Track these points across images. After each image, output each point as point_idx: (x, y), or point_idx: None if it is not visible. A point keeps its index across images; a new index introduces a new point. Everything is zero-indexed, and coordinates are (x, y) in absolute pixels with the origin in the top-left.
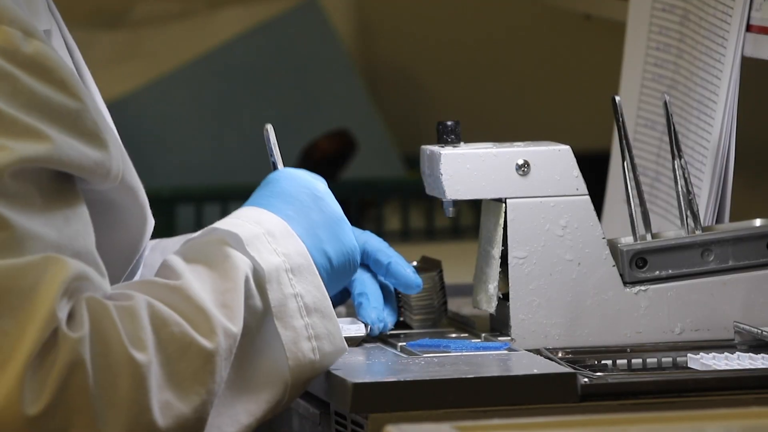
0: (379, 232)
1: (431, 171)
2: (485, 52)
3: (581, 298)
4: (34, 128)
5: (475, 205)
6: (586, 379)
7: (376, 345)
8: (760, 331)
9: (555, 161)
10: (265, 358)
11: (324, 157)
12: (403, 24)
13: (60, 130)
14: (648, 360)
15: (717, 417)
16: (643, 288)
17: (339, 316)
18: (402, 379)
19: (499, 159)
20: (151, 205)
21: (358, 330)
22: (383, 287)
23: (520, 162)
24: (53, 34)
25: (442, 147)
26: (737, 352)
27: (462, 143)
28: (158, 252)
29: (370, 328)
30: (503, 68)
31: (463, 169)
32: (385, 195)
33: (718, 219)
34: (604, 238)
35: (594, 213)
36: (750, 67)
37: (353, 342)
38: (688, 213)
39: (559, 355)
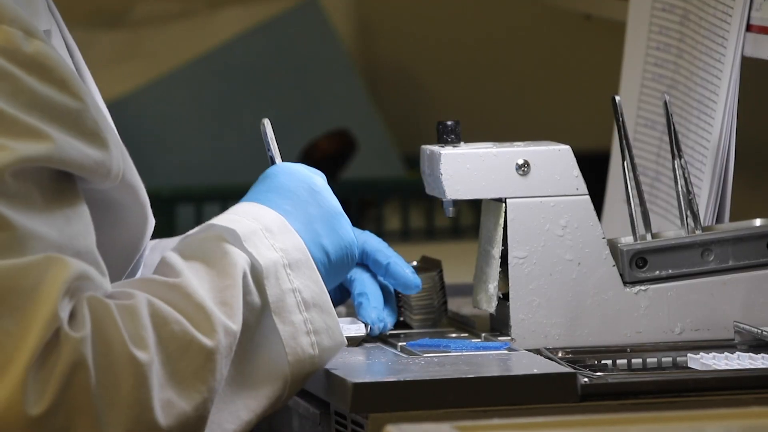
0: (379, 232)
1: (431, 171)
2: (485, 52)
3: (581, 298)
4: (35, 128)
5: (475, 205)
6: (586, 379)
7: (376, 345)
8: (760, 331)
9: (555, 161)
10: (264, 353)
11: (324, 157)
12: (403, 24)
13: (61, 130)
14: (648, 360)
15: (717, 417)
16: (643, 288)
17: (339, 315)
18: (402, 379)
19: (499, 159)
20: (151, 205)
21: (358, 330)
22: (383, 287)
23: (520, 162)
24: (53, 34)
25: (442, 147)
26: (737, 352)
27: (462, 143)
28: (158, 252)
29: (370, 328)
30: (503, 68)
31: (463, 168)
32: (385, 195)
33: (718, 219)
34: (604, 238)
35: (594, 213)
36: (750, 67)
37: (353, 342)
38: (688, 213)
39: (559, 355)
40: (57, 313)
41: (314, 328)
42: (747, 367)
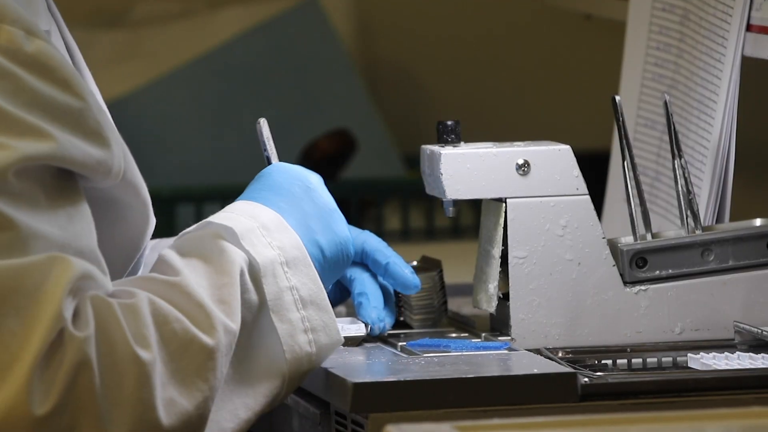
0: (379, 232)
1: (431, 171)
2: (485, 51)
3: (581, 298)
4: (36, 127)
5: (475, 204)
6: (586, 379)
7: (376, 345)
8: (760, 331)
9: (555, 161)
10: (261, 352)
11: (324, 157)
12: (403, 23)
13: (63, 129)
14: (648, 360)
15: (717, 417)
16: (643, 288)
17: (339, 315)
18: (402, 379)
19: (499, 159)
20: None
21: (358, 330)
22: (382, 287)
23: (520, 162)
24: (52, 35)
25: (442, 147)
26: (737, 352)
27: (462, 143)
28: (158, 252)
29: (371, 327)
30: (503, 68)
31: (463, 168)
32: (385, 195)
33: (718, 219)
34: (604, 238)
35: (594, 213)
36: (750, 67)
37: (353, 342)
38: (688, 213)
39: (559, 354)
40: (61, 313)
41: (311, 325)
42: (747, 367)
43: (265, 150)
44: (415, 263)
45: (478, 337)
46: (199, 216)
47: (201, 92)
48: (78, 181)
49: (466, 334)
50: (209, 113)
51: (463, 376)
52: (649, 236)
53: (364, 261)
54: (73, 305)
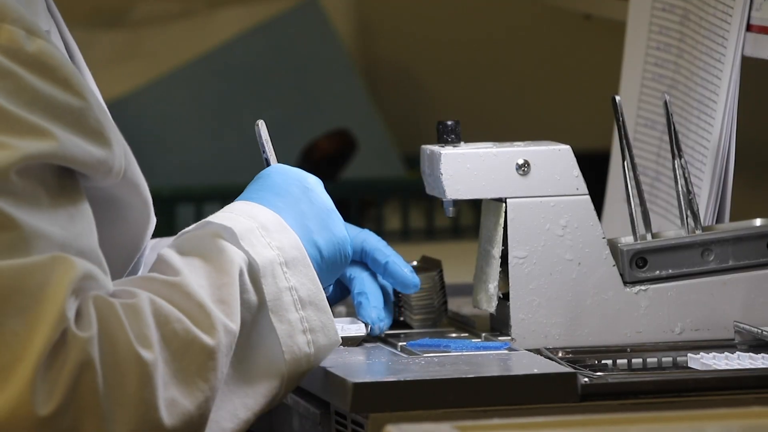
0: (379, 232)
1: (431, 171)
2: (485, 52)
3: (581, 298)
4: (38, 126)
5: (475, 204)
6: (586, 379)
7: (376, 345)
8: (760, 331)
9: (555, 161)
10: (261, 352)
11: (324, 157)
12: (403, 24)
13: (64, 128)
14: (648, 360)
15: (717, 417)
16: (643, 288)
17: (339, 315)
18: (402, 379)
19: (499, 159)
20: None
21: (358, 330)
22: (382, 287)
23: (520, 162)
24: (52, 35)
25: (442, 147)
26: (737, 352)
27: (462, 143)
28: (158, 251)
29: (371, 327)
30: (503, 68)
31: (463, 168)
32: (385, 195)
33: (718, 219)
34: (604, 238)
35: (594, 213)
36: (750, 67)
37: (353, 342)
38: (688, 213)
39: (560, 354)
40: (65, 313)
41: (310, 326)
42: (747, 367)
43: (264, 152)
44: (415, 263)
45: (478, 337)
46: (199, 216)
47: (201, 92)
48: (78, 180)
49: (466, 334)
50: (209, 113)
51: (463, 376)
52: (649, 236)
53: (363, 260)
54: (76, 305)
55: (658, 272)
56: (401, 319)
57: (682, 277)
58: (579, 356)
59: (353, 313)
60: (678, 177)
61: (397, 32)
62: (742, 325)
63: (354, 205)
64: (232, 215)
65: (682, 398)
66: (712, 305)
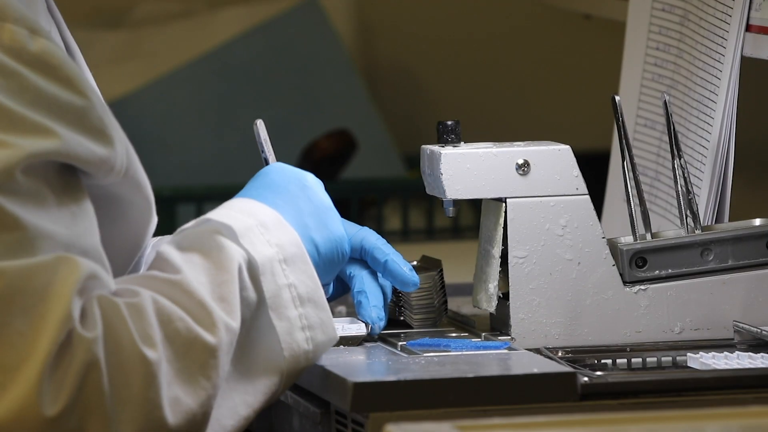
0: (380, 232)
1: (431, 170)
2: (485, 52)
3: (581, 298)
4: (41, 125)
5: (475, 204)
6: (586, 379)
7: (377, 344)
8: (759, 331)
9: (555, 161)
10: (260, 349)
11: (324, 156)
12: (404, 24)
13: (67, 127)
14: (648, 359)
15: (716, 416)
16: (642, 287)
17: (339, 315)
18: (402, 379)
19: (499, 159)
20: None
21: (358, 329)
22: (381, 286)
23: (520, 162)
24: (52, 35)
25: (443, 147)
26: (737, 352)
27: (462, 143)
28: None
29: (371, 327)
30: (503, 68)
31: (463, 168)
32: (385, 195)
33: (718, 218)
34: (603, 238)
35: (594, 212)
36: (750, 67)
37: (354, 341)
38: (688, 212)
39: (559, 354)
40: (70, 313)
41: (309, 323)
42: (746, 367)
43: (263, 151)
44: (415, 263)
45: (478, 336)
46: (200, 216)
47: (201, 92)
48: (80, 178)
49: (466, 334)
50: (209, 113)
51: (463, 376)
52: (648, 236)
53: (363, 257)
54: (81, 306)
55: (657, 272)
56: (401, 318)
57: (682, 277)
58: (579, 356)
59: (353, 312)
60: (678, 177)
61: (397, 32)
62: (741, 325)
63: (354, 205)
64: (231, 212)
65: (682, 398)
66: (712, 305)
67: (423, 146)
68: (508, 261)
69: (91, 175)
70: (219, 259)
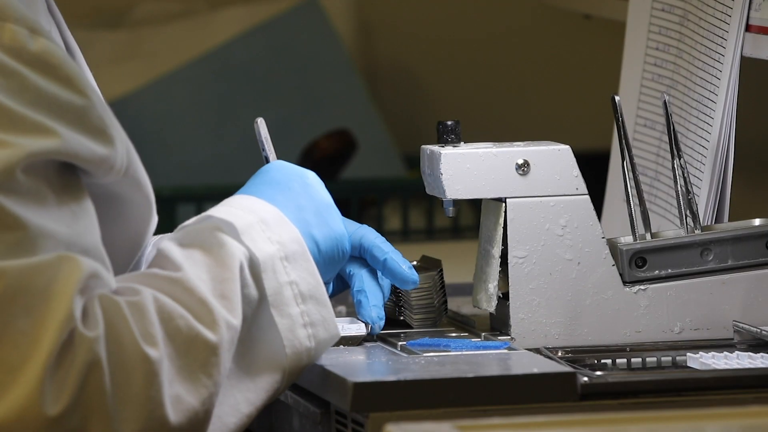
0: (380, 232)
1: (431, 170)
2: (485, 52)
3: (581, 298)
4: (41, 124)
5: (475, 204)
6: (585, 378)
7: (377, 344)
8: (759, 331)
9: (555, 161)
10: (262, 346)
11: (324, 156)
12: (404, 24)
13: (67, 126)
14: (647, 359)
15: (716, 416)
16: (642, 287)
17: (339, 315)
18: (402, 379)
19: (499, 159)
20: None
21: (358, 329)
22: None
23: (520, 162)
24: (52, 35)
25: (442, 147)
26: (737, 352)
27: (462, 143)
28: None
29: (371, 327)
30: (503, 68)
31: (463, 168)
32: (385, 195)
33: (718, 218)
34: (603, 238)
35: (594, 212)
36: (749, 67)
37: (354, 341)
38: (688, 212)
39: (559, 354)
40: (72, 312)
41: (311, 320)
42: (746, 367)
43: (264, 149)
44: (415, 263)
45: (478, 336)
46: None
47: (201, 92)
48: (81, 177)
49: (466, 334)
50: (209, 113)
51: (463, 376)
52: (648, 236)
53: (362, 255)
54: (82, 305)
55: (657, 272)
56: (401, 318)
57: (682, 277)
58: (578, 356)
59: (353, 312)
60: (677, 177)
61: (397, 32)
62: (741, 325)
63: (354, 204)
64: (232, 209)
65: (682, 398)
66: (712, 305)
67: (423, 146)
68: (508, 261)
69: (91, 174)
70: (220, 256)
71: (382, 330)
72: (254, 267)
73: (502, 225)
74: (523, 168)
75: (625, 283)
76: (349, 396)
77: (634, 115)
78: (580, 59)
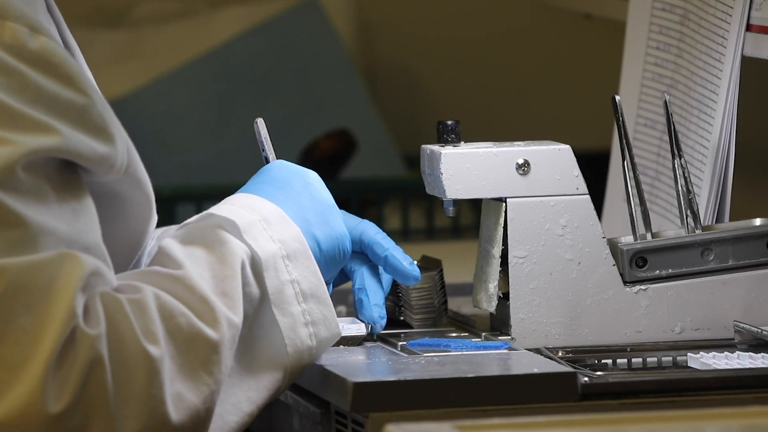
0: None
1: (431, 170)
2: (485, 51)
3: (581, 298)
4: (42, 122)
5: (476, 204)
6: (586, 379)
7: (377, 344)
8: (760, 330)
9: (555, 161)
10: (263, 345)
11: (324, 156)
12: (404, 23)
13: (67, 124)
14: (648, 359)
15: (717, 416)
16: (643, 287)
17: (339, 315)
18: (402, 379)
19: (499, 158)
20: None
21: (359, 329)
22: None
23: (521, 161)
24: (52, 34)
25: (443, 146)
26: (737, 352)
27: (462, 142)
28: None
29: (371, 326)
30: (503, 68)
31: (464, 168)
32: (385, 194)
33: (718, 218)
34: (604, 238)
35: (594, 212)
36: (750, 67)
37: (354, 341)
38: (688, 212)
39: (560, 354)
40: (74, 310)
41: (312, 319)
42: (747, 367)
43: (263, 150)
44: (415, 263)
45: (478, 336)
46: None
47: (201, 92)
48: (81, 175)
49: (466, 334)
50: (209, 113)
51: (463, 376)
52: (649, 236)
53: (363, 251)
54: (83, 302)
55: (658, 272)
56: (401, 318)
57: (682, 277)
58: (579, 356)
59: (353, 312)
60: (678, 177)
61: (397, 32)
62: (742, 325)
63: (354, 204)
64: (233, 208)
65: (682, 398)
66: (712, 305)
67: (423, 146)
68: (509, 261)
69: (91, 173)
70: (222, 254)
71: (383, 330)
72: (256, 265)
73: (503, 225)
74: (524, 168)
75: (625, 283)
76: (349, 396)
77: (634, 115)
78: (580, 59)
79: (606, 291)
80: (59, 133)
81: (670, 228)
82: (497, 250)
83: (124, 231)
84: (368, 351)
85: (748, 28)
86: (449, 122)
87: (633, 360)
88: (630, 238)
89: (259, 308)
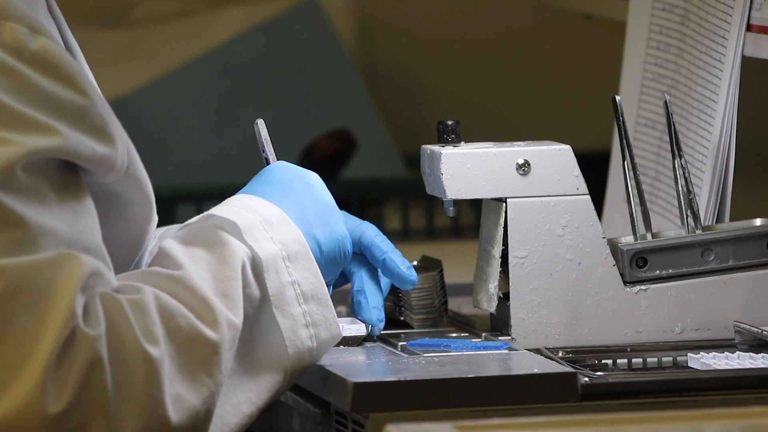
0: None
1: (432, 170)
2: (485, 51)
3: (581, 298)
4: (42, 123)
5: (476, 204)
6: (586, 379)
7: (377, 344)
8: (760, 331)
9: (555, 161)
10: (264, 346)
11: (324, 156)
12: (404, 23)
13: (68, 125)
14: (648, 359)
15: (717, 416)
16: (643, 287)
17: (339, 315)
18: (402, 379)
19: (499, 158)
20: None
21: (358, 330)
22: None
23: (521, 161)
24: (53, 34)
25: (443, 146)
26: (737, 352)
27: (462, 143)
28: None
29: (371, 328)
30: (504, 68)
31: (464, 168)
32: (385, 194)
33: (719, 218)
34: (604, 238)
35: (594, 212)
36: (750, 67)
37: (354, 342)
38: (689, 212)
39: (560, 354)
40: (74, 311)
41: (312, 320)
42: (747, 367)
43: (264, 151)
44: (415, 263)
45: (478, 337)
46: None
47: (201, 92)
48: (81, 176)
49: (466, 334)
50: (209, 113)
51: (463, 376)
52: (649, 236)
53: (362, 252)
54: (83, 303)
55: (658, 272)
56: (401, 318)
57: (683, 277)
58: (579, 356)
59: (353, 313)
60: (678, 177)
61: (397, 32)
62: (742, 325)
63: (354, 204)
64: (234, 209)
65: (683, 398)
66: (713, 305)
67: (423, 146)
68: (509, 261)
69: (91, 173)
70: (222, 255)
71: (382, 330)
72: (256, 266)
73: (503, 225)
74: (524, 168)
75: (625, 283)
76: (350, 396)
77: (634, 115)
78: (580, 59)
79: (606, 291)
80: (59, 134)
81: (670, 228)
82: (497, 251)
83: (125, 232)
84: (368, 351)
85: (749, 28)
86: (449, 122)
87: (633, 360)
88: (630, 238)
89: (259, 309)
